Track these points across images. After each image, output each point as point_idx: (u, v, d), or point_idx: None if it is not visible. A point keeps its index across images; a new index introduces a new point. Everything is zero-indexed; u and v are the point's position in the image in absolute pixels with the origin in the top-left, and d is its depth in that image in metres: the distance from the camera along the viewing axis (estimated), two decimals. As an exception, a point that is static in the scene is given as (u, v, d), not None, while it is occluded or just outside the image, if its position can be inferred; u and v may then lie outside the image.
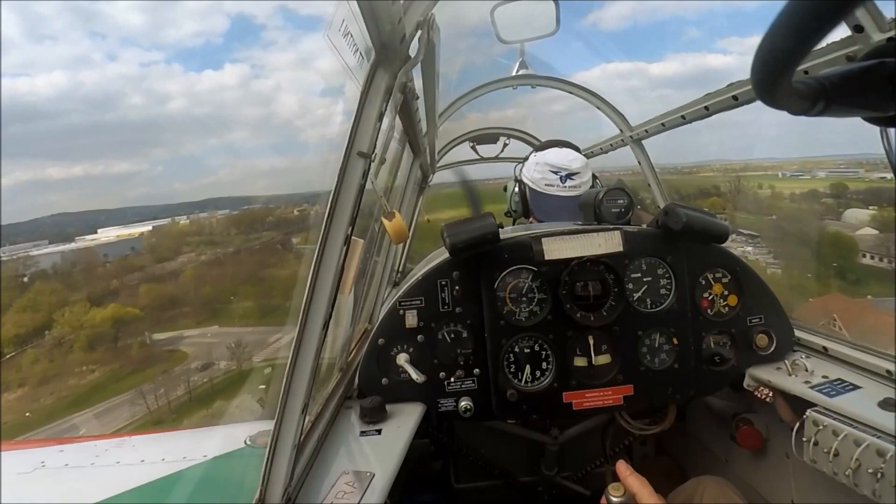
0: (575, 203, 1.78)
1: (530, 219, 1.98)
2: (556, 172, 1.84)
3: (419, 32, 1.00)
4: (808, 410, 1.21)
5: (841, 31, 1.11)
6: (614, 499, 0.95)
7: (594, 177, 1.94)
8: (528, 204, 1.94)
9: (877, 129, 0.67)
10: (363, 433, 1.24)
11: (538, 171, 1.88)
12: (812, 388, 1.26)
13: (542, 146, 1.99)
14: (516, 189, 1.99)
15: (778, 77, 0.45)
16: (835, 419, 1.14)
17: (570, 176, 1.84)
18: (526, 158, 2.02)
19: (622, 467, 0.98)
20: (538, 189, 1.88)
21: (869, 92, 0.53)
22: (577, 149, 1.97)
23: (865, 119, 0.57)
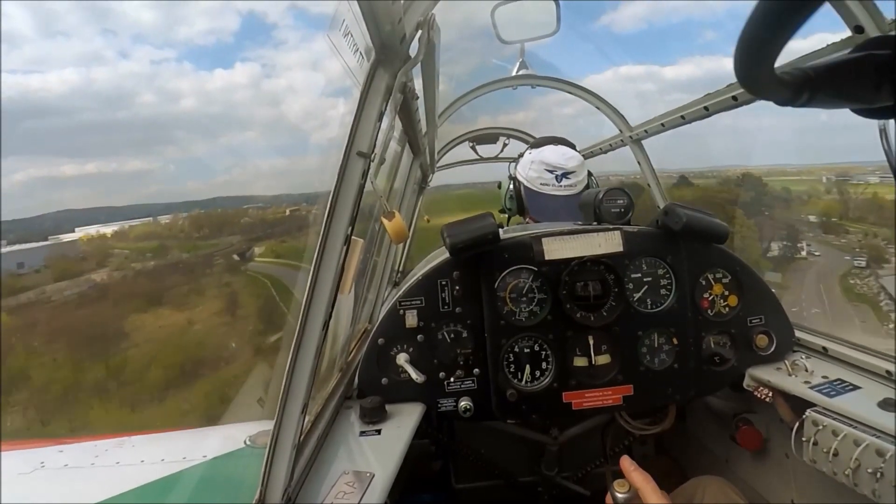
0: (570, 202, 1.77)
1: (527, 218, 1.97)
2: (551, 171, 1.83)
3: (419, 32, 1.00)
4: (808, 410, 1.21)
5: (841, 31, 1.11)
6: (619, 495, 0.93)
7: (589, 174, 1.93)
8: (524, 202, 1.93)
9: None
10: (363, 433, 1.24)
11: (534, 169, 1.86)
12: (812, 388, 1.26)
13: (537, 143, 1.97)
14: (510, 187, 1.98)
15: (760, 66, 0.45)
16: (834, 419, 1.14)
17: (565, 175, 1.83)
18: (521, 155, 2.01)
19: (626, 462, 0.96)
20: (533, 188, 1.87)
21: (855, 83, 0.53)
22: (572, 146, 1.96)
23: (853, 110, 0.57)
